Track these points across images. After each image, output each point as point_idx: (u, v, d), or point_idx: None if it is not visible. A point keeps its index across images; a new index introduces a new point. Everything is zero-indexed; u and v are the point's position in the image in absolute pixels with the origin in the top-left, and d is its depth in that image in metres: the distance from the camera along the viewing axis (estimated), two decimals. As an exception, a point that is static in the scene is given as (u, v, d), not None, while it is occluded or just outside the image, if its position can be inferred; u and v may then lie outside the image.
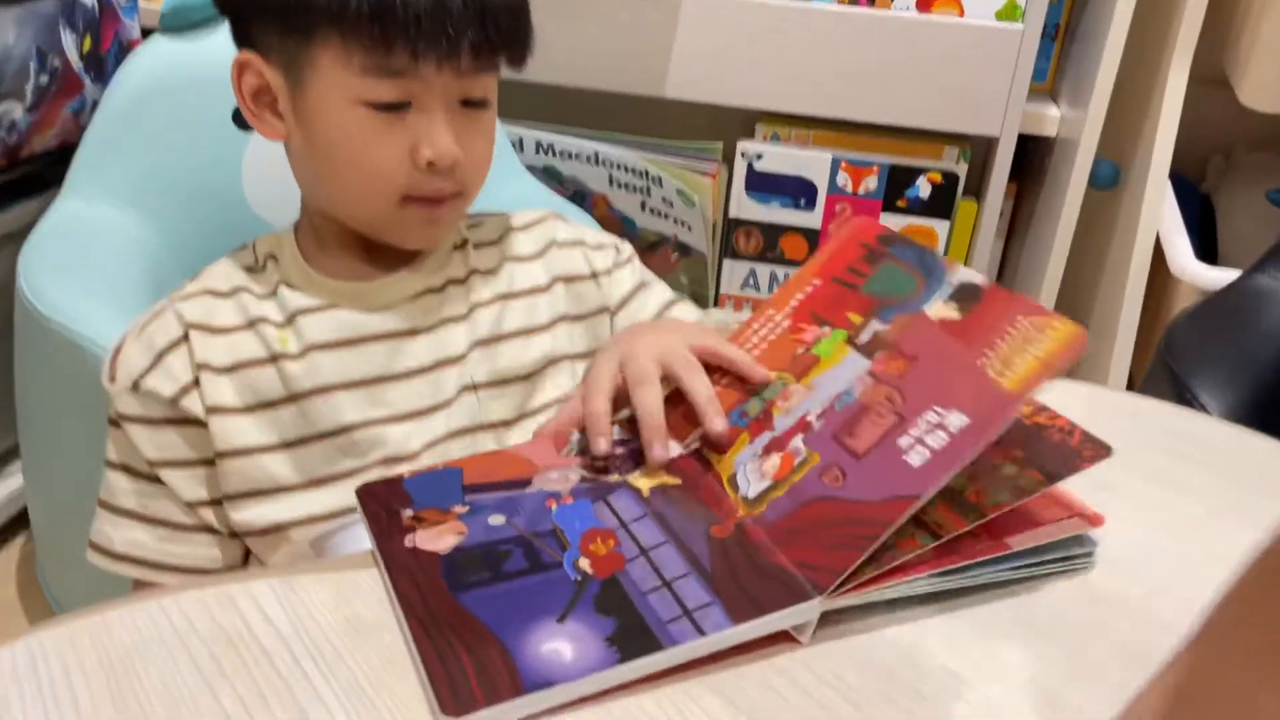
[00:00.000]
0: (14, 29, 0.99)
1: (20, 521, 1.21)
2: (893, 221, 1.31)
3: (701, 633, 0.46)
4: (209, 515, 0.72)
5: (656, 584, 0.49)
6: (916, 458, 0.50)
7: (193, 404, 0.70)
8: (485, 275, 0.78)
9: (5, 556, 1.24)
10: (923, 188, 1.29)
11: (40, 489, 1.03)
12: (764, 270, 1.38)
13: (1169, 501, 0.62)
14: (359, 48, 0.67)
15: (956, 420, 0.50)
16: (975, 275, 0.56)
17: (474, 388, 0.74)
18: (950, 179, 1.28)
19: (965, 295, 0.56)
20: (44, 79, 1.05)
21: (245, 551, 0.75)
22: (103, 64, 1.15)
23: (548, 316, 0.78)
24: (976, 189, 1.36)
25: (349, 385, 0.72)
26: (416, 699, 0.46)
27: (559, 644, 0.46)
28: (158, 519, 0.71)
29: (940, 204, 1.30)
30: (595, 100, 1.31)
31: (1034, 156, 1.46)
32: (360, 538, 0.63)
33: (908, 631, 0.51)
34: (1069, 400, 0.66)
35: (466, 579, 0.50)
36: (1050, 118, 1.34)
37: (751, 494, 0.54)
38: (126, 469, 0.72)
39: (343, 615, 0.51)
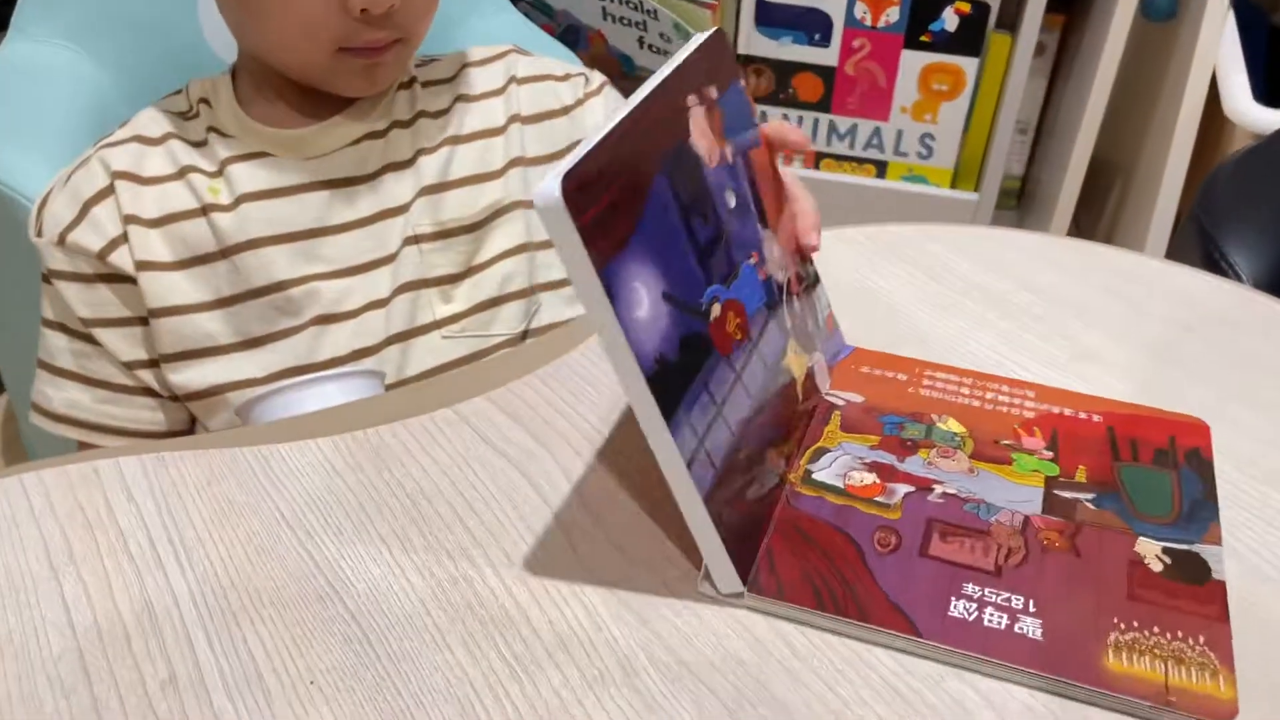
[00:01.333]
0: None
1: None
2: (916, 58, 1.19)
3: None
4: (148, 376, 0.68)
5: None
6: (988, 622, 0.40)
7: (122, 259, 0.65)
8: (434, 117, 0.72)
9: (-9, 412, 1.23)
10: (949, 20, 1.16)
11: (3, 348, 1.00)
12: (775, 113, 1.28)
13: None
14: None
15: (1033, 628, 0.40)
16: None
17: (416, 239, 0.69)
18: (980, 10, 1.16)
19: (1186, 564, 0.42)
20: (-24, -97, 0.97)
21: (190, 414, 0.71)
22: (48, -113, 1.05)
23: (501, 160, 0.72)
24: (1013, 22, 1.23)
25: (282, 238, 0.67)
26: (271, 591, 0.41)
27: None
28: (96, 379, 0.68)
29: (969, 38, 1.17)
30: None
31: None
32: (286, 406, 0.59)
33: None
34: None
35: None
36: (1099, -62, 1.19)
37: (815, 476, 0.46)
38: (63, 328, 0.68)
39: (212, 495, 0.46)
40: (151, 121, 0.70)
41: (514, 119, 0.73)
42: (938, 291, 0.61)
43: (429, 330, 0.69)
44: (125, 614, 0.40)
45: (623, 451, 0.48)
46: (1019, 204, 1.54)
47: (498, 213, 0.71)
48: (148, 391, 0.69)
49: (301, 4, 0.62)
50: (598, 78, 0.78)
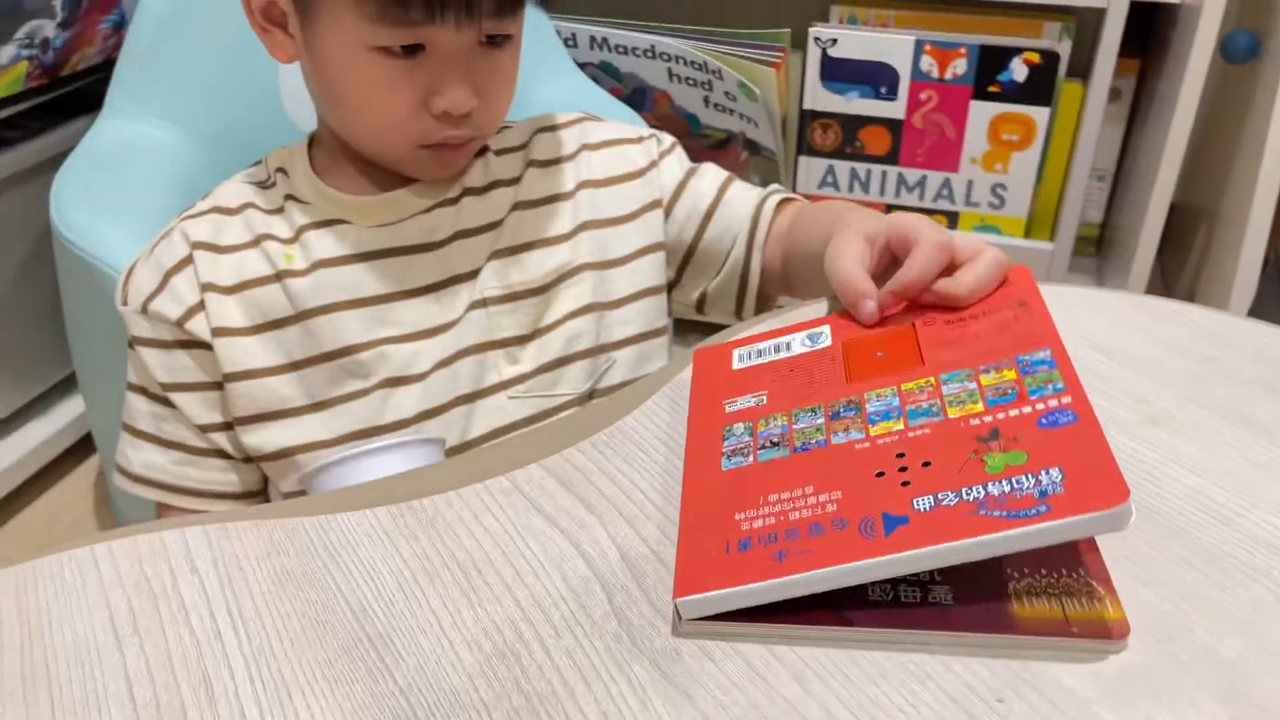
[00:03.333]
0: (32, -58, 0.96)
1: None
2: (985, 109, 1.18)
3: None
4: (221, 439, 0.70)
5: None
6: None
7: (198, 326, 0.68)
8: (506, 185, 0.74)
9: (84, 471, 1.27)
10: (1017, 70, 1.15)
11: (95, 410, 1.04)
12: (843, 167, 1.27)
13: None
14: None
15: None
16: None
17: (484, 303, 0.70)
18: (1050, 59, 1.14)
19: None
20: (74, -7, 1.03)
21: (264, 475, 0.73)
22: (141, -25, 1.12)
23: (570, 225, 0.73)
24: (1085, 70, 1.21)
25: (355, 303, 0.69)
26: (325, 664, 0.42)
27: None
28: (172, 442, 0.70)
29: (1038, 88, 1.16)
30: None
31: (1162, 28, 1.29)
32: (347, 476, 0.60)
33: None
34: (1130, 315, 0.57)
35: None
36: (1176, -17, 1.17)
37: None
38: (143, 392, 0.71)
39: (271, 567, 0.47)
40: (231, 193, 0.73)
41: (584, 184, 0.74)
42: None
43: (495, 391, 0.71)
44: (184, 687, 0.41)
45: (672, 519, 0.48)
46: (1099, 251, 1.50)
47: (564, 275, 0.72)
48: (221, 454, 0.71)
49: (384, 104, 0.65)
50: (668, 138, 0.79)
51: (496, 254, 0.71)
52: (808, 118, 1.25)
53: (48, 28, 1.03)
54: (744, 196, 0.76)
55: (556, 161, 0.75)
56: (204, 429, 0.70)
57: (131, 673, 0.42)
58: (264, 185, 0.73)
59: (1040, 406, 0.44)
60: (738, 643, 0.42)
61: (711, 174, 0.77)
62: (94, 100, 1.17)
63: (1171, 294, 1.68)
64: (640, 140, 0.77)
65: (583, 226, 0.73)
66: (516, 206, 0.73)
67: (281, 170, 0.73)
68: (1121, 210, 1.39)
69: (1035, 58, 1.14)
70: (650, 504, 0.49)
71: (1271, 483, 0.49)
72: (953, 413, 0.46)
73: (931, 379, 0.49)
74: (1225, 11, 1.09)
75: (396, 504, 0.51)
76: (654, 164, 0.76)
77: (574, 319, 0.72)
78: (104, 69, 1.13)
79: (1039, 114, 1.17)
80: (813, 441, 0.48)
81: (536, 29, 1.13)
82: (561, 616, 0.43)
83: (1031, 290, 0.53)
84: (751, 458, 0.48)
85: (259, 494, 0.74)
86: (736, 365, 0.56)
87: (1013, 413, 0.45)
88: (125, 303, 0.70)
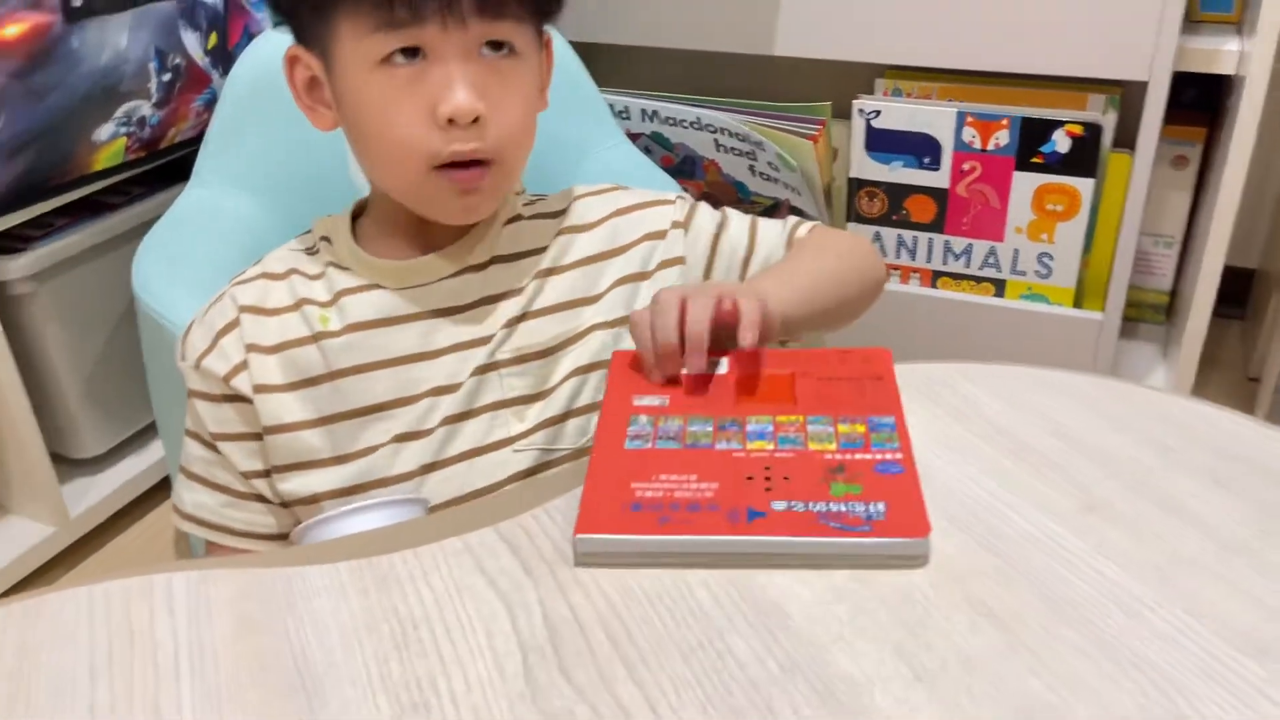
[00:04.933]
0: (128, 34, 1.07)
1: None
2: (1029, 180, 1.18)
3: None
4: (261, 485, 0.76)
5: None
6: None
7: (242, 383, 0.74)
8: (535, 253, 0.78)
9: (168, 507, 1.37)
10: (1060, 142, 1.15)
11: (171, 453, 1.13)
12: (890, 234, 1.29)
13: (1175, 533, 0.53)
14: (365, 8, 0.66)
15: None
16: None
17: (496, 365, 0.74)
18: (1093, 131, 1.14)
19: None
20: (167, 76, 1.14)
21: (298, 518, 0.78)
22: (231, 58, 1.22)
23: (593, 289, 0.77)
24: (1133, 140, 1.20)
25: (384, 364, 0.74)
26: (259, 706, 0.47)
27: None
28: (220, 485, 0.76)
29: (1082, 159, 1.16)
30: (705, 62, 1.26)
31: (1223, 94, 1.27)
32: (332, 532, 0.65)
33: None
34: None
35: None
36: (1227, 54, 1.16)
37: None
38: (198, 438, 0.77)
39: (236, 613, 0.52)
40: (279, 260, 0.79)
41: (611, 251, 0.78)
42: (958, 434, 0.61)
43: (500, 447, 0.74)
44: None
45: (603, 590, 0.51)
46: (1168, 319, 1.47)
47: (575, 337, 0.76)
48: (261, 498, 0.77)
49: (396, 120, 0.68)
50: (689, 199, 0.83)
51: (512, 320, 0.75)
52: (855, 185, 1.27)
53: (144, 107, 1.14)
54: (771, 231, 0.81)
55: (586, 228, 0.79)
56: (246, 475, 0.76)
57: (96, 706, 0.47)
58: (309, 251, 0.79)
59: (879, 456, 0.57)
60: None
61: (737, 220, 0.82)
62: (185, 171, 1.27)
63: (1248, 362, 1.62)
64: (667, 203, 0.81)
65: (607, 291, 0.77)
66: (539, 274, 0.76)
67: (326, 239, 0.79)
68: (1186, 277, 1.36)
69: (1078, 129, 1.14)
70: (585, 571, 0.53)
71: (1191, 577, 0.50)
72: (813, 446, 0.59)
73: (800, 417, 0.61)
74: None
75: (361, 558, 0.55)
76: (678, 225, 0.80)
77: (576, 376, 0.76)
78: (198, 141, 1.24)
79: (1083, 185, 1.17)
80: (700, 443, 0.60)
81: (589, 102, 1.19)
82: (476, 673, 0.47)
83: (888, 369, 0.66)
84: (651, 444, 0.60)
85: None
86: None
87: (858, 456, 0.57)
88: (183, 358, 0.76)
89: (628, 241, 0.79)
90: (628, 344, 0.77)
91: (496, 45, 0.69)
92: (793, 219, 0.81)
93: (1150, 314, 1.46)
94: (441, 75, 0.67)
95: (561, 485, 0.60)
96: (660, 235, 0.79)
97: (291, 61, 0.74)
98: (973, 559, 0.52)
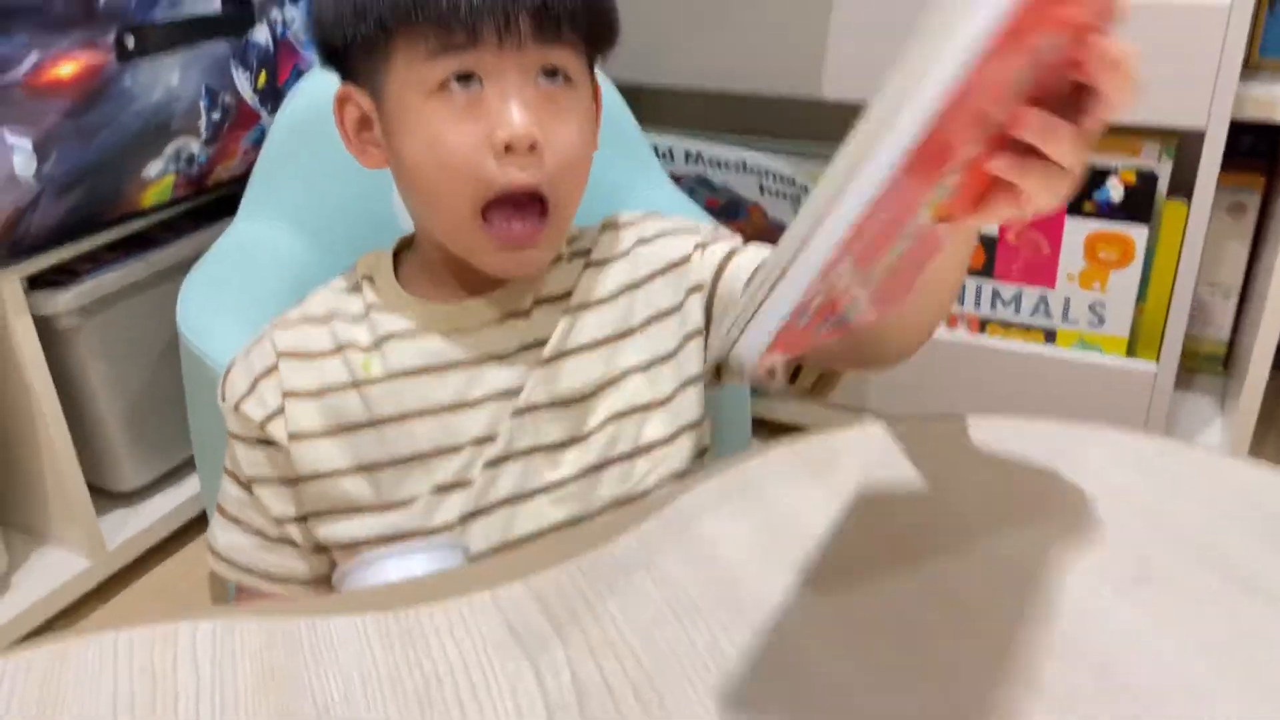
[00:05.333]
0: (179, 73, 1.08)
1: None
2: (1080, 226, 1.16)
3: None
4: (292, 530, 0.75)
5: None
6: None
7: (277, 429, 0.73)
8: (568, 292, 0.76)
9: (204, 541, 1.38)
10: (1113, 189, 1.13)
11: (207, 490, 1.13)
12: (937, 281, 1.27)
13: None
14: (420, 35, 0.66)
15: None
16: None
17: (531, 409, 0.73)
18: (1147, 179, 1.11)
19: None
20: (216, 115, 1.15)
21: (333, 562, 0.77)
22: (279, 96, 1.24)
23: (619, 327, 0.75)
24: (1190, 188, 1.17)
25: (426, 412, 0.73)
26: (281, 763, 0.45)
27: None
28: (253, 527, 0.76)
29: (1137, 207, 1.13)
30: (750, 104, 1.25)
31: (1283, 144, 1.24)
32: (370, 578, 0.64)
33: None
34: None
35: None
36: (1285, 101, 1.13)
37: None
38: (234, 478, 0.77)
39: (261, 662, 0.51)
40: (319, 302, 0.78)
41: (632, 285, 0.76)
42: (1001, 492, 0.59)
43: (537, 495, 0.73)
44: (154, 772, 0.45)
45: (631, 648, 0.50)
46: (1227, 371, 1.43)
47: (611, 381, 0.74)
48: (292, 543, 0.76)
49: (454, 144, 0.66)
50: (720, 228, 0.80)
51: (546, 361, 0.73)
52: (901, 230, 1.25)
53: (193, 145, 1.15)
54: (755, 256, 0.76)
55: (610, 261, 0.77)
56: (278, 520, 0.75)
57: (115, 754, 0.47)
58: (352, 290, 0.78)
59: None
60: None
61: (752, 251, 0.77)
62: (232, 206, 1.29)
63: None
64: (690, 232, 0.78)
65: (633, 329, 0.75)
66: (570, 311, 0.75)
67: (368, 278, 0.78)
68: (1245, 328, 1.32)
69: (1132, 177, 1.12)
70: (614, 629, 0.51)
71: (1261, 649, 0.47)
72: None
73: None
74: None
75: (387, 611, 0.54)
76: (700, 247, 0.76)
77: (613, 422, 0.74)
78: (245, 178, 1.25)
79: (1137, 233, 1.14)
80: None
81: (632, 143, 1.19)
82: (500, 735, 0.46)
83: None
84: None
85: (327, 580, 0.79)
86: None
87: None
88: (224, 399, 0.76)
89: (650, 271, 0.76)
90: (664, 385, 0.75)
91: (551, 73, 0.68)
92: None
93: (1208, 365, 1.42)
94: (498, 100, 0.66)
95: (594, 538, 0.58)
96: (685, 261, 0.77)
97: (341, 102, 0.74)
98: (1021, 630, 0.49)
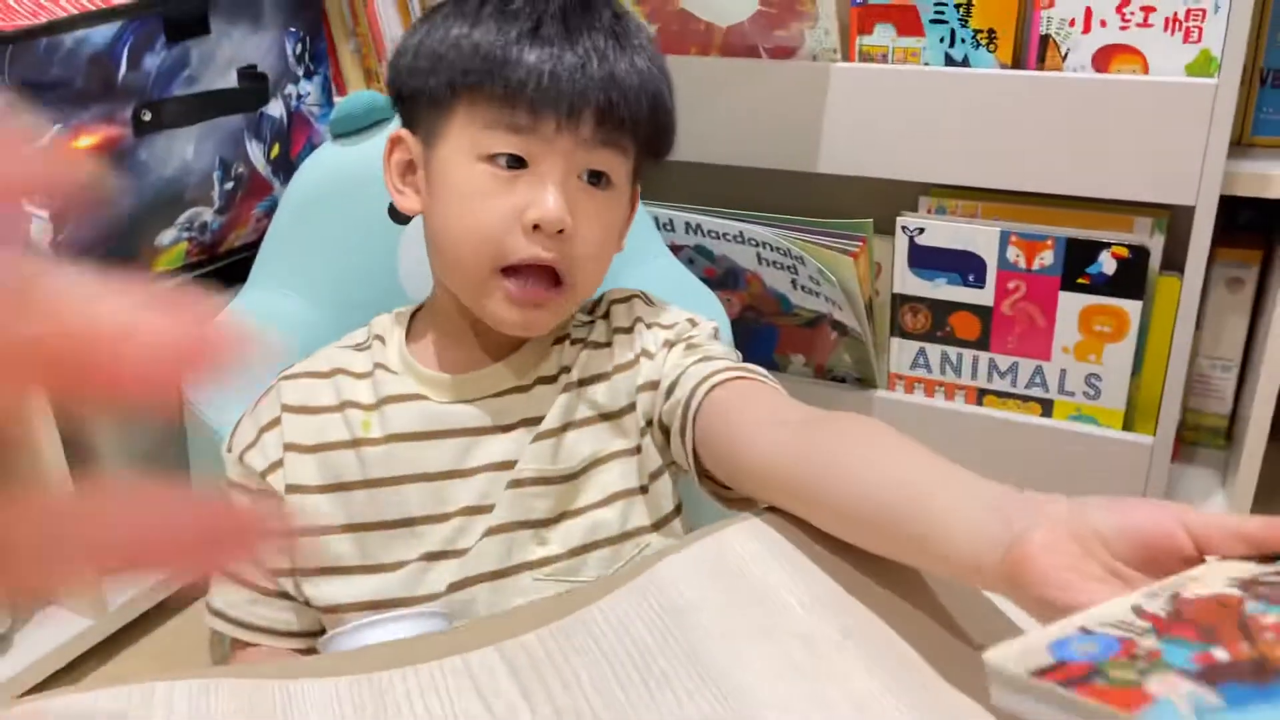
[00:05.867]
0: (194, 145, 1.12)
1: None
2: (1075, 300, 1.17)
3: None
4: (286, 584, 0.76)
5: None
6: None
7: (276, 481, 0.75)
8: (565, 369, 0.77)
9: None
10: (1106, 263, 1.14)
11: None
12: (934, 350, 1.28)
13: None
14: (485, 103, 0.69)
15: None
16: None
17: (520, 483, 0.74)
18: (1139, 253, 1.13)
19: None
20: (230, 185, 1.18)
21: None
22: (292, 167, 1.28)
23: (608, 407, 0.76)
24: (1183, 264, 1.18)
25: (420, 478, 0.74)
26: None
27: None
28: (247, 581, 0.76)
29: (1129, 281, 1.14)
30: (749, 177, 1.28)
31: None
32: (363, 640, 0.65)
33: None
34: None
35: None
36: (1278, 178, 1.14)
37: None
38: None
39: (233, 727, 0.52)
40: (325, 358, 0.80)
41: (620, 367, 0.77)
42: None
43: (521, 571, 0.73)
44: (120, 831, 0.46)
45: (597, 711, 0.50)
46: (1228, 442, 1.42)
47: (598, 461, 0.75)
48: (286, 596, 0.76)
49: (485, 210, 0.69)
50: (698, 326, 0.78)
51: (538, 437, 0.75)
52: (898, 301, 1.27)
53: (206, 213, 1.18)
54: (704, 368, 0.72)
55: (606, 343, 0.78)
56: (271, 572, 0.76)
57: (84, 814, 0.47)
58: (359, 348, 0.80)
59: None
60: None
61: (717, 362, 0.72)
62: (248, 273, 1.32)
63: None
64: (664, 326, 0.78)
65: (623, 410, 0.76)
66: (565, 389, 0.76)
67: (379, 338, 0.79)
68: (1244, 401, 1.32)
69: (1124, 252, 1.13)
70: (581, 694, 0.52)
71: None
72: None
73: None
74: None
75: (360, 674, 0.55)
76: (668, 345, 0.75)
77: (599, 508, 0.75)
78: (257, 245, 1.29)
79: (1131, 306, 1.15)
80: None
81: (636, 215, 1.21)
82: (461, 801, 0.46)
83: None
84: None
85: (320, 633, 0.79)
86: None
87: None
88: (230, 449, 0.77)
89: (630, 359, 0.77)
90: (639, 476, 0.74)
91: (595, 176, 0.71)
92: (726, 365, 0.72)
93: (1210, 437, 1.42)
94: (538, 182, 0.69)
95: (568, 605, 0.59)
96: (649, 356, 0.76)
97: (394, 142, 0.77)
98: None
